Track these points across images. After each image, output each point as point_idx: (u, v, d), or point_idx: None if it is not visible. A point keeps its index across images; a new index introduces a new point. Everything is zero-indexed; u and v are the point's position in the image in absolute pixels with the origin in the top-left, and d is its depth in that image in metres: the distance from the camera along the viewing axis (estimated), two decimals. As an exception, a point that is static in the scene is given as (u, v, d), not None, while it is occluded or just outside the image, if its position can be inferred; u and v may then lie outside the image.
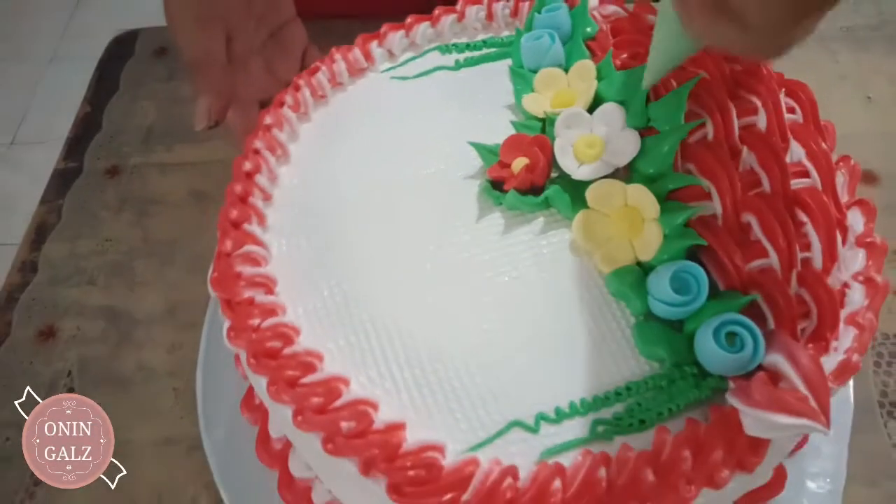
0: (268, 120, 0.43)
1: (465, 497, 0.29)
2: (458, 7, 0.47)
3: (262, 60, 0.50)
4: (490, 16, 0.47)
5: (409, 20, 0.47)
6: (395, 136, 0.42)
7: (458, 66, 0.45)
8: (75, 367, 0.49)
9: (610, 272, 0.34)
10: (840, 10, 0.68)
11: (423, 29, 0.46)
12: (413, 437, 0.31)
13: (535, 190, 0.37)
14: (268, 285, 0.36)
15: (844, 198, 0.36)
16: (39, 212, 0.58)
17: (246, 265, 0.37)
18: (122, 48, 0.69)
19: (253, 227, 0.38)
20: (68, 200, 0.58)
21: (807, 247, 0.33)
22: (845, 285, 0.34)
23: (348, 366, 0.33)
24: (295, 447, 0.37)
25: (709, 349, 0.30)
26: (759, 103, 0.37)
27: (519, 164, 0.37)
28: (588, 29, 0.43)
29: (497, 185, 0.38)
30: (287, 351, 0.33)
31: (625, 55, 0.41)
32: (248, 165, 0.41)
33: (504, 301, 0.35)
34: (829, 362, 0.31)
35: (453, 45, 0.46)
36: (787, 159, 0.36)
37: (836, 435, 0.41)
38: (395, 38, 0.46)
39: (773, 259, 0.33)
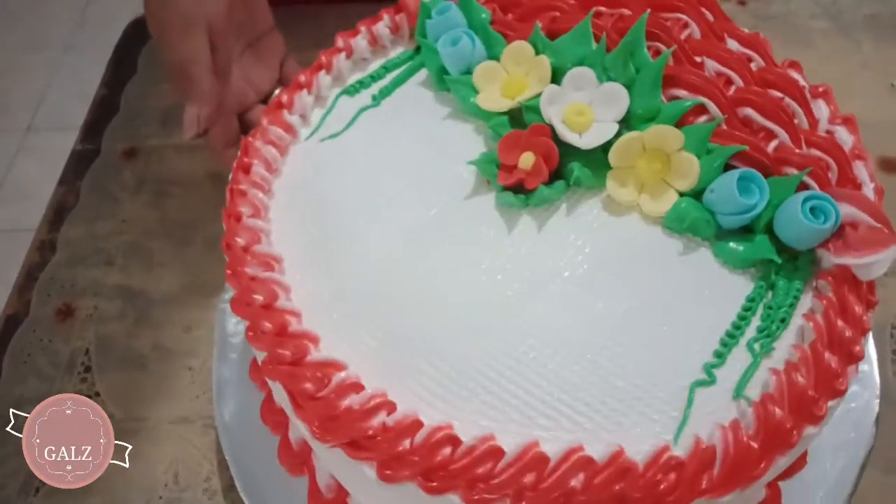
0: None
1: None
2: (341, 44, 0.44)
3: (241, 70, 0.49)
4: (374, 40, 0.45)
5: (302, 78, 0.43)
6: (369, 196, 0.39)
7: (376, 100, 0.43)
8: (93, 345, 0.50)
9: (667, 212, 0.35)
10: (865, -1, 0.67)
11: (322, 79, 0.43)
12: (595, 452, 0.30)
13: (552, 179, 0.37)
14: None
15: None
16: (58, 193, 0.58)
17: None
18: (139, 32, 0.69)
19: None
20: (86, 182, 0.59)
21: (793, 115, 0.37)
22: (829, 133, 0.38)
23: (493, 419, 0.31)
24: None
25: (801, 228, 0.33)
26: (685, 17, 0.40)
27: (528, 159, 0.36)
28: (483, 15, 0.42)
29: (513, 189, 0.36)
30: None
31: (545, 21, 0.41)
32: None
33: (595, 290, 0.34)
34: (867, 191, 0.35)
35: (357, 83, 0.44)
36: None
37: (857, 418, 0.41)
38: (301, 99, 0.42)
39: (783, 136, 0.36)
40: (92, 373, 0.48)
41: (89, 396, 0.47)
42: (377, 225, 0.37)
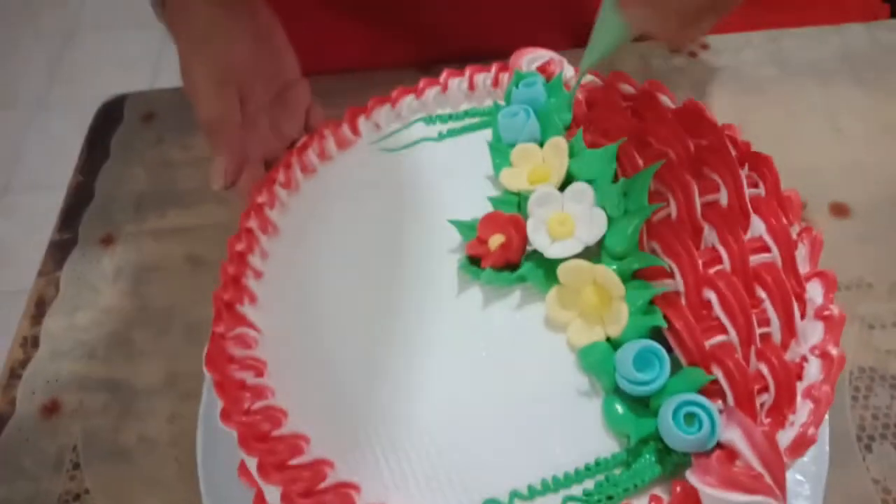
0: (260, 199, 0.44)
1: None
2: (442, 79, 0.50)
3: (268, 119, 0.52)
4: (472, 86, 0.49)
5: (394, 93, 0.49)
6: (379, 208, 0.44)
7: (440, 137, 0.47)
8: (80, 441, 0.51)
9: (581, 348, 0.36)
10: (806, 43, 0.70)
11: (408, 101, 0.49)
12: None
13: (511, 266, 0.39)
14: (258, 367, 0.38)
15: (805, 268, 0.38)
16: (38, 285, 0.60)
17: (237, 347, 0.39)
18: (110, 114, 0.70)
19: (245, 309, 0.40)
20: (65, 272, 0.60)
21: (766, 322, 0.35)
22: (804, 359, 0.35)
23: (333, 448, 0.35)
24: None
25: (669, 429, 0.32)
26: (720, 181, 0.39)
27: (495, 241, 0.39)
28: (558, 99, 0.45)
29: (475, 260, 0.40)
30: (275, 433, 0.35)
31: (595, 132, 0.43)
32: (240, 246, 0.43)
33: (479, 377, 0.37)
34: (785, 437, 0.33)
35: (437, 116, 0.49)
36: (749, 234, 0.38)
37: (815, 473, 0.43)
38: (382, 111, 0.49)
39: (733, 335, 0.35)
40: (80, 469, 0.49)
41: (78, 495, 0.48)
42: (343, 294, 0.41)
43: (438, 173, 0.45)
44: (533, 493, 0.33)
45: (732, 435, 0.32)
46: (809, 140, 0.64)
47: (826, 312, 0.37)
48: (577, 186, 0.40)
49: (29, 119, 1.71)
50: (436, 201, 0.43)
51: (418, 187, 0.45)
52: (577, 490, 0.33)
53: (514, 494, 0.33)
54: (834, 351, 0.35)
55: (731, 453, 0.32)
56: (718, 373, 0.34)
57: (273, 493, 0.34)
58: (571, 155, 0.42)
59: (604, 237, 0.38)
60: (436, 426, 0.35)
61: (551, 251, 0.38)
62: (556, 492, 0.33)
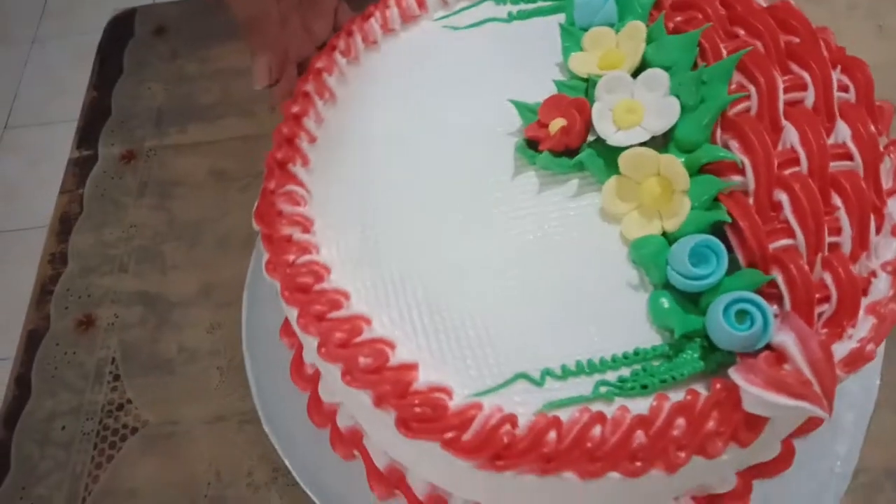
0: (319, 64, 0.44)
1: (465, 437, 0.30)
2: None
3: (299, 19, 0.50)
4: None
5: None
6: (440, 86, 0.43)
7: (510, 18, 0.45)
8: (118, 353, 0.50)
9: (634, 240, 0.35)
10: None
11: None
12: (425, 378, 0.33)
13: (569, 152, 0.37)
14: (305, 224, 0.38)
15: (889, 183, 0.36)
16: (61, 202, 0.58)
17: (287, 204, 0.39)
18: (120, 29, 0.68)
19: (297, 168, 0.40)
20: (88, 189, 0.59)
21: (837, 231, 0.33)
22: (872, 273, 0.33)
23: (372, 306, 0.35)
24: (322, 374, 0.39)
25: (718, 324, 0.31)
26: (809, 79, 0.37)
27: (556, 125, 0.37)
28: None
29: (533, 144, 0.38)
30: (317, 287, 0.35)
31: (679, 18, 0.40)
32: (296, 108, 0.42)
33: (526, 258, 0.36)
34: (842, 349, 0.31)
35: None
36: (832, 140, 0.36)
37: (862, 404, 0.42)
38: None
39: (800, 240, 0.33)
40: (121, 380, 0.49)
41: (121, 404, 0.48)
42: (402, 157, 0.40)
43: (504, 55, 0.43)
44: (566, 373, 0.32)
45: (785, 338, 0.30)
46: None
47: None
48: (652, 73, 0.38)
49: (24, 55, 1.66)
50: (499, 83, 0.42)
51: (481, 67, 0.43)
52: (611, 376, 0.32)
53: (547, 372, 0.32)
54: None
55: (780, 356, 0.30)
56: (779, 276, 0.32)
57: (311, 350, 0.34)
58: (649, 41, 0.39)
59: (674, 127, 0.36)
60: (477, 297, 0.35)
61: (615, 138, 0.36)
62: (590, 375, 0.32)
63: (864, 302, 0.32)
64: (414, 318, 0.35)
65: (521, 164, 0.39)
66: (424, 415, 0.31)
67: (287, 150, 0.40)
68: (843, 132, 0.36)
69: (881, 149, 0.36)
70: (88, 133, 0.62)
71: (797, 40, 0.38)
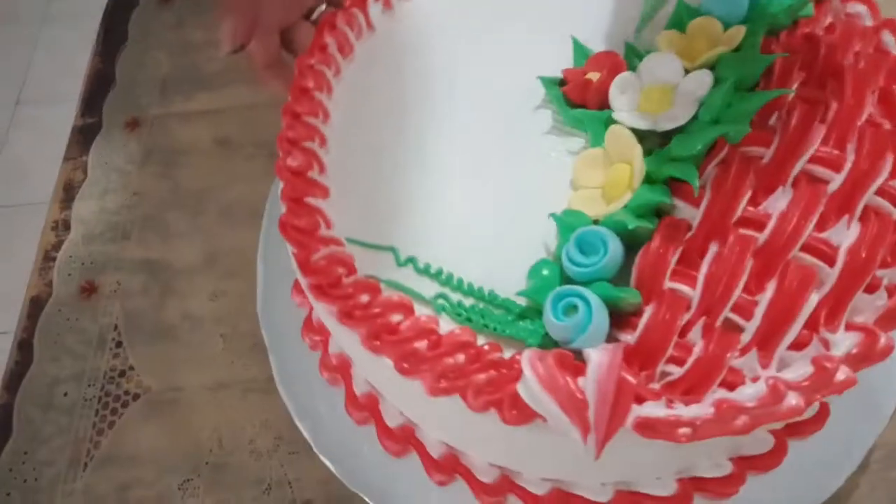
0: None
1: (313, 258, 0.33)
2: None
3: None
4: None
5: None
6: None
7: None
8: (121, 320, 0.50)
9: (567, 209, 0.35)
10: None
11: None
12: None
13: (583, 107, 0.37)
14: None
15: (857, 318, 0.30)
16: (64, 169, 0.58)
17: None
18: (126, -3, 0.67)
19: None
20: (92, 156, 0.58)
21: (747, 315, 0.30)
22: (754, 378, 0.29)
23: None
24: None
25: (546, 307, 0.30)
26: (848, 166, 0.32)
27: (591, 76, 0.37)
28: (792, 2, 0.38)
29: (564, 83, 0.38)
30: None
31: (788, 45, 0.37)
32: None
33: (490, 170, 0.37)
34: (655, 411, 0.27)
35: None
36: (825, 233, 0.32)
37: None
38: None
39: (696, 296, 0.30)
40: (124, 347, 0.49)
41: (123, 371, 0.48)
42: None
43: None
44: (423, 271, 0.34)
45: (594, 354, 0.28)
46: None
47: (827, 363, 0.28)
48: (702, 74, 0.36)
49: (34, 32, 1.66)
50: (559, 21, 0.41)
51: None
52: (456, 297, 0.33)
53: (410, 260, 0.34)
54: (791, 401, 0.27)
55: (579, 368, 0.28)
56: (647, 312, 0.30)
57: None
58: (739, 48, 0.37)
59: (677, 131, 0.34)
60: (431, 190, 0.37)
61: (618, 114, 0.35)
62: (441, 285, 0.34)
63: (714, 395, 0.28)
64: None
65: (544, 99, 0.39)
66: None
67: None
68: (844, 235, 0.31)
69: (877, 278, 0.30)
70: (92, 101, 0.61)
71: (888, 125, 0.34)
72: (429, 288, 0.34)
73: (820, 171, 0.33)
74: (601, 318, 0.30)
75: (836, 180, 0.32)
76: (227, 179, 0.55)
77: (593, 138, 0.36)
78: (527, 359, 0.28)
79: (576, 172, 0.36)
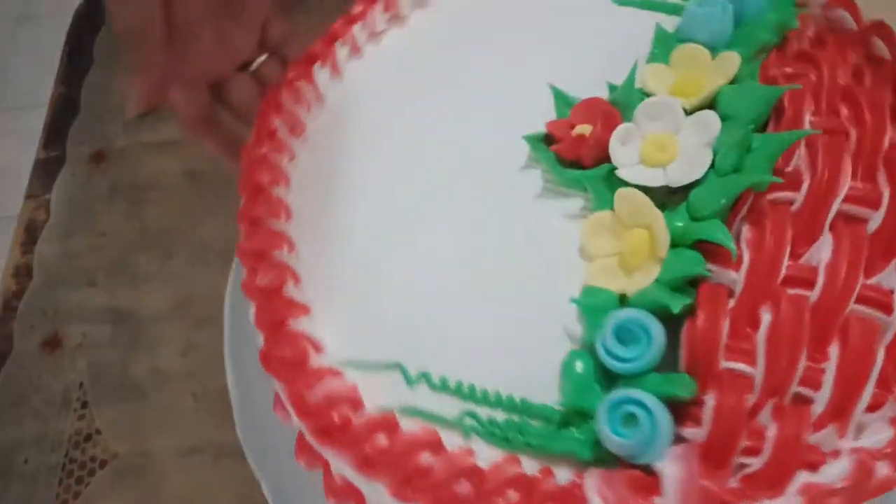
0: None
1: (309, 395, 0.28)
2: None
3: (213, 32, 0.41)
4: None
5: None
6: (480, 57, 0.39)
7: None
8: (86, 377, 0.47)
9: (588, 286, 0.30)
10: None
11: None
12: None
13: (578, 164, 0.33)
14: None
15: None
16: (26, 209, 0.54)
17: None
18: (89, 19, 0.63)
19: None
20: (55, 194, 0.55)
21: (815, 385, 0.27)
22: (834, 452, 0.26)
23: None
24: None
25: (600, 419, 0.26)
26: (887, 197, 0.30)
27: (581, 129, 0.33)
28: (785, 14, 0.36)
29: (550, 140, 0.34)
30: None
31: (789, 70, 0.34)
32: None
33: (485, 260, 0.32)
34: None
35: None
36: (875, 279, 0.29)
37: None
38: None
39: (759, 373, 0.27)
40: (89, 408, 0.46)
41: (89, 435, 0.44)
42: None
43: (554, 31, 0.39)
44: (441, 386, 0.29)
45: (669, 469, 0.25)
46: None
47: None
48: (705, 115, 0.32)
49: (10, 34, 1.61)
50: (538, 61, 0.38)
51: (514, 41, 0.39)
52: (484, 412, 0.28)
53: (424, 376, 0.29)
54: (882, 471, 0.25)
55: (653, 484, 0.25)
56: (711, 400, 0.26)
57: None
58: (735, 80, 0.33)
59: (694, 185, 0.31)
60: (415, 283, 0.32)
61: (625, 171, 0.31)
62: (464, 400, 0.28)
63: (801, 478, 0.25)
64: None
65: (529, 157, 0.35)
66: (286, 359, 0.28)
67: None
68: (895, 278, 0.29)
69: None
70: (56, 132, 0.58)
71: None
72: (450, 406, 0.29)
73: (855, 209, 0.30)
74: (665, 424, 0.26)
75: (876, 218, 0.29)
76: (198, 217, 0.52)
77: (597, 200, 0.32)
78: (594, 488, 0.25)
79: (585, 241, 0.31)
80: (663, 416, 0.26)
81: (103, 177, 0.55)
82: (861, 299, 0.28)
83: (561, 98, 0.35)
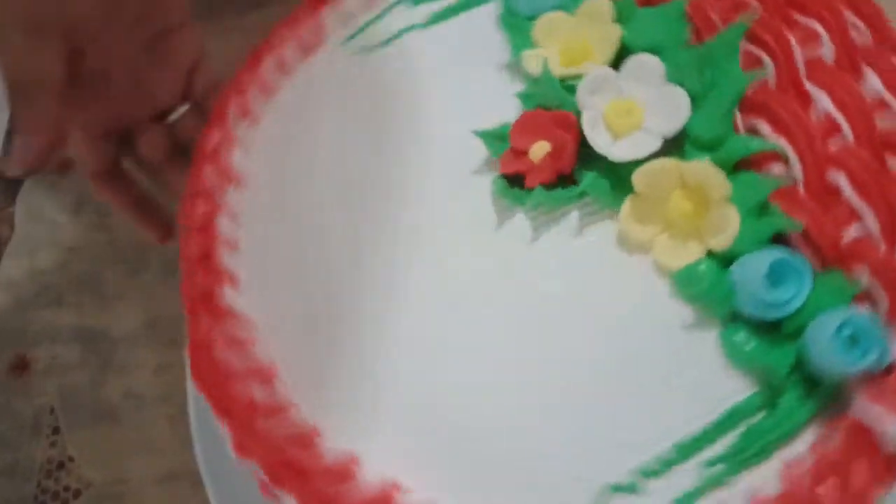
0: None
1: None
2: None
3: (131, 79, 0.38)
4: None
5: None
6: (366, 129, 0.34)
7: (432, 20, 0.36)
8: (57, 401, 0.45)
9: (677, 271, 0.28)
10: None
11: None
12: None
13: (563, 180, 0.30)
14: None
15: None
16: (-11, 224, 0.52)
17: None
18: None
19: (225, 257, 0.32)
20: (20, 207, 0.52)
21: None
22: None
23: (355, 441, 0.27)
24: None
25: (828, 356, 0.25)
26: (820, 29, 0.30)
27: (540, 150, 0.29)
28: None
29: (514, 179, 0.30)
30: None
31: None
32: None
33: (538, 330, 0.28)
34: None
35: None
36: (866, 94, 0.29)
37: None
38: None
39: (871, 224, 0.26)
40: (61, 433, 0.44)
41: (62, 462, 0.43)
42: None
43: (437, 71, 0.35)
44: (664, 464, 0.25)
45: None
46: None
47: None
48: (640, 60, 0.30)
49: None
50: (441, 109, 0.33)
51: (414, 93, 0.34)
52: (713, 451, 0.25)
53: (643, 472, 0.25)
54: None
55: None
56: (864, 273, 0.26)
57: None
58: (620, 20, 0.32)
59: (686, 124, 0.29)
60: (487, 408, 0.26)
61: (617, 152, 0.29)
62: (685, 460, 0.25)
63: None
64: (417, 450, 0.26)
65: (503, 207, 0.30)
66: None
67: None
68: (873, 82, 0.29)
69: None
70: (18, 140, 0.55)
71: None
72: (681, 476, 0.25)
73: (809, 53, 0.30)
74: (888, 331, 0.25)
75: (826, 49, 0.30)
76: (170, 228, 0.50)
77: (607, 196, 0.30)
78: (876, 414, 0.24)
79: (629, 232, 0.29)
80: (876, 322, 0.25)
81: (70, 186, 0.52)
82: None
83: (489, 136, 0.32)
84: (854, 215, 0.27)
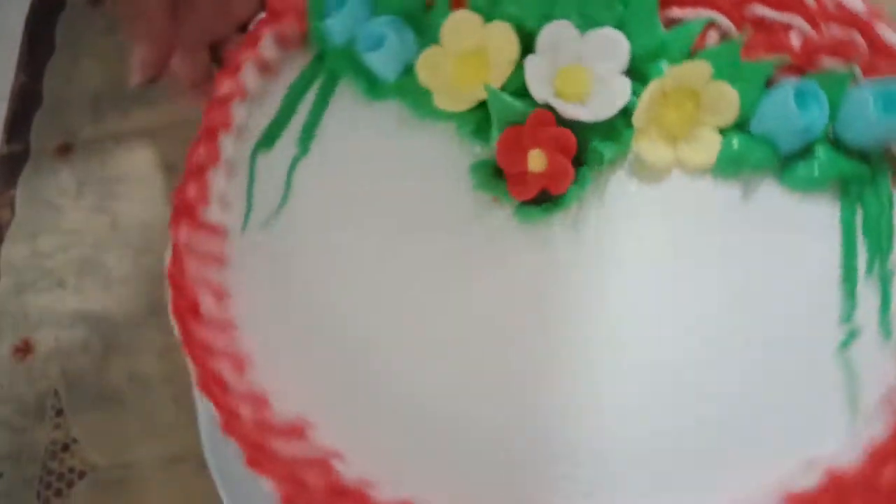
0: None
1: None
2: (227, 89, 0.35)
3: None
4: (265, 67, 0.35)
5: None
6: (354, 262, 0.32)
7: (304, 144, 0.34)
8: (61, 384, 0.44)
9: (717, 157, 0.30)
10: None
11: (224, 142, 0.35)
12: None
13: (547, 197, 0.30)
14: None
15: None
16: (-10, 208, 0.52)
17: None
18: (49, 2, 0.59)
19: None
20: (20, 191, 0.52)
21: None
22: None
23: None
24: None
25: (871, 125, 0.28)
26: None
27: (538, 159, 0.28)
28: None
29: (537, 201, 0.30)
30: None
31: None
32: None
33: (681, 288, 0.29)
34: None
35: (268, 131, 0.34)
36: None
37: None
38: (213, 180, 0.35)
39: (801, 24, 0.30)
40: (65, 416, 0.43)
41: (66, 445, 0.42)
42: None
43: (358, 177, 0.33)
44: (850, 293, 0.28)
45: None
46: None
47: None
48: (548, 30, 0.30)
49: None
50: (383, 192, 0.32)
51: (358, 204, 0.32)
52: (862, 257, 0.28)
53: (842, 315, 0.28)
54: None
55: None
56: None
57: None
58: (489, 19, 0.31)
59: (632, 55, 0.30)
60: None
61: (597, 111, 0.29)
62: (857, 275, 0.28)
63: None
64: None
65: (540, 229, 0.30)
66: None
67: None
68: None
69: None
70: (19, 124, 0.55)
71: None
72: None
73: None
74: None
75: None
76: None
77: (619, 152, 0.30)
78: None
79: (650, 157, 0.30)
80: None
81: (71, 170, 0.52)
82: None
83: (478, 173, 0.31)
84: (786, 27, 0.30)
